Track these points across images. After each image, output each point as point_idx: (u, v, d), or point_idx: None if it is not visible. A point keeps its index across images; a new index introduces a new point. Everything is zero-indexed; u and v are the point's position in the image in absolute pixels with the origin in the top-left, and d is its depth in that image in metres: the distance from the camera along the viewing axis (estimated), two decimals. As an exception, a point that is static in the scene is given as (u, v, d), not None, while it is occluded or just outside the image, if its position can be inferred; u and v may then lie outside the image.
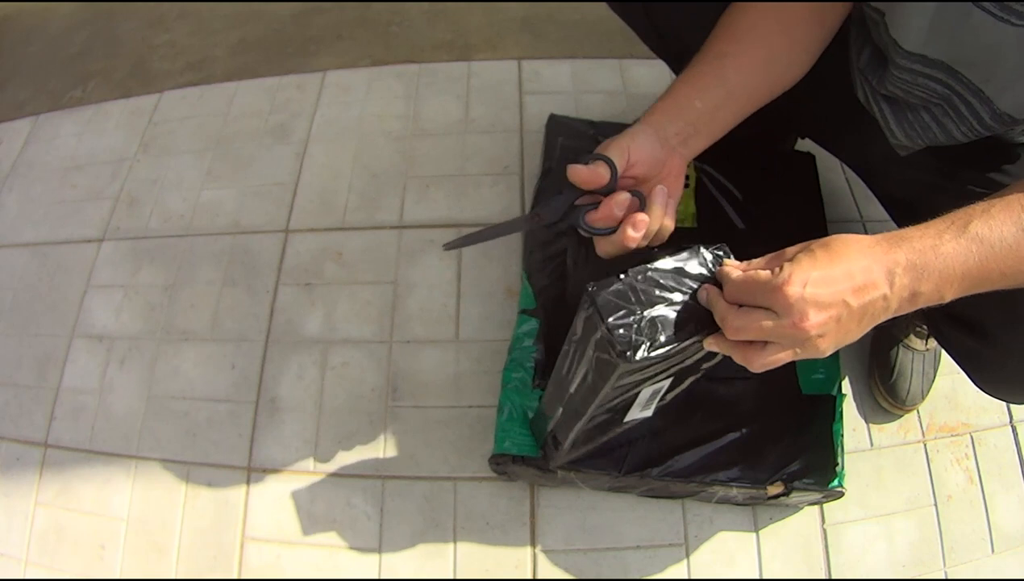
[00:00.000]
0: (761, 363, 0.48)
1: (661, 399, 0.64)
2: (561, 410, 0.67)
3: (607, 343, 0.50)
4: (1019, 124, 0.54)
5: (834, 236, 0.47)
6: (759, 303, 0.46)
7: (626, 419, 0.65)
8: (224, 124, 1.19)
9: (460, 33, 1.28)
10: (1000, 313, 0.56)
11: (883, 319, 0.47)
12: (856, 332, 0.47)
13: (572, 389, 0.62)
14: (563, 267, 0.83)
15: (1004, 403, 0.88)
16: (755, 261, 0.49)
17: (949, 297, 0.46)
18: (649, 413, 0.65)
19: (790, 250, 0.48)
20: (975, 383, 0.65)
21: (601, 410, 0.60)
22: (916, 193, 0.48)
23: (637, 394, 0.59)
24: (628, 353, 0.49)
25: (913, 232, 0.46)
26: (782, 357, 0.47)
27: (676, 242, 0.56)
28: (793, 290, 0.44)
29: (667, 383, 0.59)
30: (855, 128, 0.69)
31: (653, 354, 0.50)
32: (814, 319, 0.44)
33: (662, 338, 0.50)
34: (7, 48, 1.42)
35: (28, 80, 1.34)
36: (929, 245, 0.45)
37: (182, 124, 1.21)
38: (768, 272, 0.46)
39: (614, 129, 0.93)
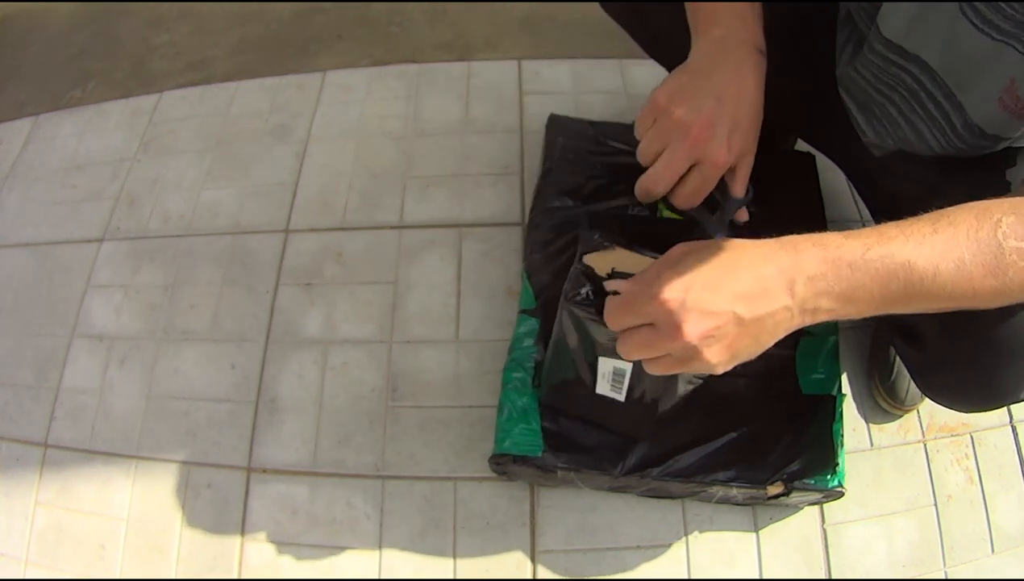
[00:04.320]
0: (654, 369, 0.46)
1: (663, 396, 0.65)
2: (547, 357, 0.72)
3: (570, 278, 0.56)
4: (989, 140, 0.52)
5: (733, 239, 0.44)
6: (641, 320, 0.43)
7: (597, 390, 0.66)
8: (224, 124, 1.19)
9: (460, 33, 1.28)
10: (935, 323, 0.54)
11: (789, 331, 0.43)
12: (754, 347, 0.43)
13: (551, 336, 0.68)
14: (564, 267, 0.83)
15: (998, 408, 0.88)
16: (646, 271, 0.46)
17: (857, 315, 0.42)
18: (620, 397, 0.66)
19: (676, 250, 0.45)
20: (919, 388, 0.65)
21: (563, 344, 0.63)
22: (907, 205, 0.47)
23: (596, 357, 0.62)
24: (569, 293, 0.55)
25: (831, 239, 0.42)
26: (673, 369, 0.45)
27: (678, 235, 0.58)
28: (670, 296, 0.41)
29: (626, 366, 0.61)
30: (849, 136, 0.69)
31: (574, 306, 0.55)
32: (693, 329, 0.40)
33: (583, 296, 0.54)
34: (7, 48, 1.42)
35: (28, 80, 1.34)
36: (846, 261, 0.41)
37: (182, 124, 1.21)
38: (639, 289, 0.43)
39: (614, 129, 0.93)
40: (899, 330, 0.62)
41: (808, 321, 0.43)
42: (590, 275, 0.56)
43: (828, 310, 0.42)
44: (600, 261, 0.58)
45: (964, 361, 0.56)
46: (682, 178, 0.56)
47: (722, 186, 0.60)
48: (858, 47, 0.60)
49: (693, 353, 0.42)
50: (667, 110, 0.53)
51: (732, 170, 0.59)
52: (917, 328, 0.59)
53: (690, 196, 0.57)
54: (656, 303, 0.41)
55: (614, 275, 0.55)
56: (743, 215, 0.62)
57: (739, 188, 0.59)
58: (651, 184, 0.56)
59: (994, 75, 0.47)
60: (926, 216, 0.43)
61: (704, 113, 0.52)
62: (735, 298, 0.41)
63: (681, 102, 0.53)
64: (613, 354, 0.58)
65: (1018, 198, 0.44)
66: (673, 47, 0.76)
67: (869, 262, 0.40)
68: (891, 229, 0.42)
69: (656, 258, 0.61)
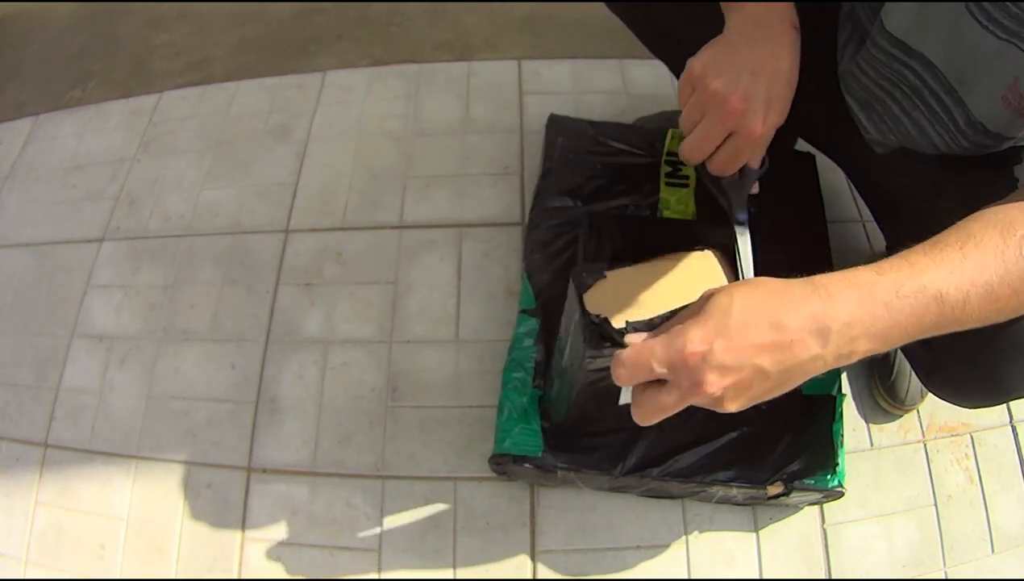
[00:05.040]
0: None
1: None
2: (557, 379, 0.69)
3: (580, 327, 0.54)
4: (992, 138, 0.52)
5: (761, 279, 0.43)
6: (657, 375, 0.42)
7: (621, 401, 0.64)
8: (224, 124, 1.19)
9: (460, 33, 1.28)
10: None
11: (819, 374, 0.43)
12: (779, 391, 0.43)
13: (564, 360, 0.64)
14: (563, 267, 0.83)
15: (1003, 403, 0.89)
16: (669, 323, 0.45)
17: (887, 349, 0.42)
18: None
19: (701, 298, 0.43)
20: (923, 384, 0.65)
21: (587, 382, 0.61)
22: (908, 203, 0.46)
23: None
24: (592, 343, 0.52)
25: (864, 277, 0.41)
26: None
27: (679, 234, 0.58)
28: (693, 349, 0.40)
29: None
30: (851, 135, 0.69)
31: (606, 355, 0.51)
32: (715, 385, 0.40)
33: (613, 341, 0.50)
34: (7, 48, 1.42)
35: (28, 80, 1.34)
36: (881, 301, 0.39)
37: (182, 124, 1.21)
38: (659, 341, 0.42)
39: (614, 129, 0.93)
40: None
41: (843, 363, 0.42)
42: (605, 326, 0.53)
43: (864, 351, 0.41)
44: (599, 296, 0.56)
45: (970, 357, 0.57)
46: (719, 147, 0.58)
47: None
48: (860, 44, 0.60)
49: (715, 403, 0.42)
50: (703, 81, 0.54)
51: None
52: None
53: (724, 164, 0.58)
54: (679, 360, 0.40)
55: (629, 328, 0.52)
56: (754, 188, 0.62)
57: (756, 160, 0.60)
58: (688, 152, 0.58)
59: (998, 73, 0.47)
60: (951, 236, 0.42)
61: (741, 86, 0.53)
62: (760, 351, 0.40)
63: (717, 74, 0.54)
64: None
65: None
66: (678, 44, 0.76)
67: (904, 299, 0.40)
68: (920, 257, 0.41)
69: (649, 265, 0.60)
